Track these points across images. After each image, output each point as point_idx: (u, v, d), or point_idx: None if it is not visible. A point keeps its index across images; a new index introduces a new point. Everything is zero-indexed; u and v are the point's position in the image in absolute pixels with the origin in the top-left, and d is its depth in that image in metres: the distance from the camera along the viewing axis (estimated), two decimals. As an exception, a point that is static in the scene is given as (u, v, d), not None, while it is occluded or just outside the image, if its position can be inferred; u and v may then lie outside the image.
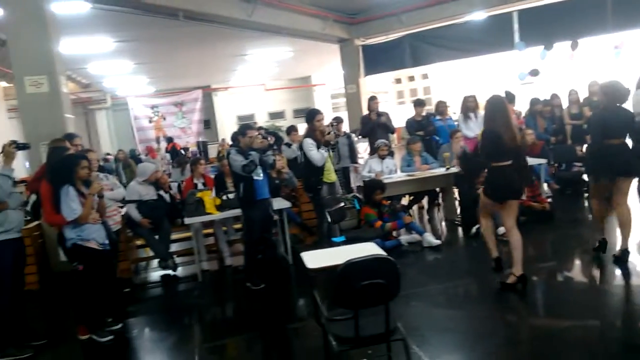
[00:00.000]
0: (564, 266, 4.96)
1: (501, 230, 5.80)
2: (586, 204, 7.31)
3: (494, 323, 3.82)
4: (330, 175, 5.99)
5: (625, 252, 4.60)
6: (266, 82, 20.28)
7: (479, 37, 10.85)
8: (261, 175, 5.12)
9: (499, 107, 4.26)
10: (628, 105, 4.79)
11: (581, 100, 8.02)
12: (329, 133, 5.75)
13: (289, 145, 7.48)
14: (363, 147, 10.41)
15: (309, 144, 5.62)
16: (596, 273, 4.82)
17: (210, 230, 6.36)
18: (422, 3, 10.85)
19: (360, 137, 9.53)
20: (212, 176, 6.62)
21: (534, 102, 8.08)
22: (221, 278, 5.87)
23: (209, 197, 5.55)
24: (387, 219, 6.09)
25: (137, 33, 10.25)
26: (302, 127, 7.85)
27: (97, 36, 10.15)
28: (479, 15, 10.75)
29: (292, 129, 7.74)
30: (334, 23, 11.43)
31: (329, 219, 5.19)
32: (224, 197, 5.60)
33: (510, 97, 8.05)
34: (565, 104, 8.33)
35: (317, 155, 5.57)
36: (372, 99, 8.19)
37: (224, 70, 16.79)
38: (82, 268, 4.07)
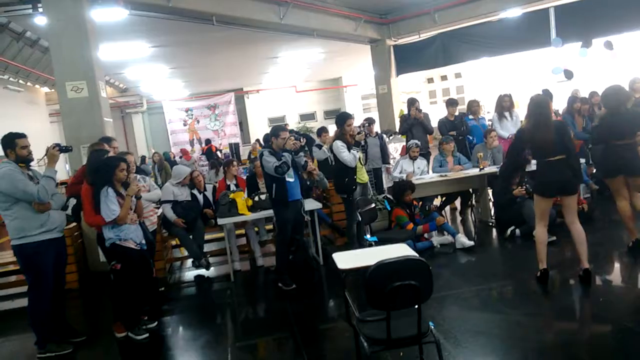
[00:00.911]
0: (602, 269, 4.79)
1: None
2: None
3: (528, 327, 3.73)
4: (363, 176, 6.01)
5: None
6: (297, 84, 20.40)
7: (514, 34, 10.61)
8: (293, 176, 5.16)
9: (538, 104, 4.36)
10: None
11: (622, 97, 7.71)
12: (359, 133, 5.75)
13: (319, 146, 7.49)
14: (393, 148, 10.34)
15: (340, 145, 5.63)
16: (636, 275, 4.64)
17: (242, 231, 6.45)
18: (455, 1, 10.70)
19: (391, 137, 9.47)
20: (244, 177, 6.72)
21: (572, 100, 7.83)
22: (253, 278, 5.93)
23: (242, 198, 5.62)
24: (418, 221, 6.04)
25: (173, 38, 10.51)
26: (332, 128, 7.87)
27: (134, 42, 10.46)
28: (514, 12, 10.52)
29: (322, 130, 7.75)
30: (366, 23, 11.41)
31: (360, 220, 5.18)
32: (256, 198, 5.67)
33: (548, 96, 7.84)
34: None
35: (349, 156, 5.58)
36: (413, 102, 8.15)
37: (255, 72, 16.99)
38: (120, 267, 4.19)
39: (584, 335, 3.62)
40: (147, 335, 4.26)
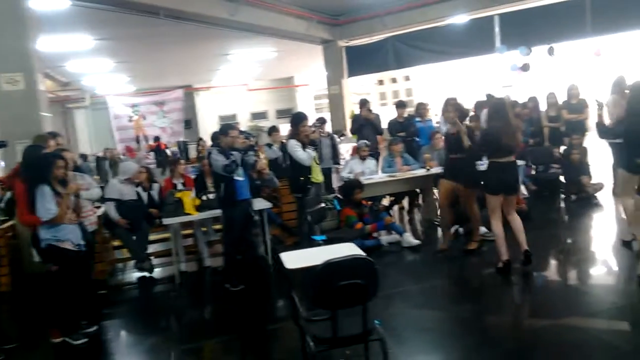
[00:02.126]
0: (540, 266, 5.01)
1: (482, 230, 5.88)
2: (562, 204, 7.43)
3: (472, 323, 3.85)
4: (318, 176, 6.03)
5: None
6: (249, 82, 20.19)
7: (462, 40, 10.99)
8: (242, 175, 5.08)
9: (497, 107, 4.62)
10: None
11: (559, 103, 8.14)
12: (313, 132, 5.77)
13: (270, 145, 7.46)
14: (345, 149, 10.44)
15: (294, 144, 5.61)
16: (572, 273, 4.91)
17: (189, 231, 6.29)
18: (405, 5, 10.93)
19: (342, 138, 9.57)
20: (193, 176, 6.56)
21: (513, 104, 8.17)
22: (200, 279, 5.80)
23: (189, 198, 5.48)
24: (367, 220, 6.11)
25: (118, 31, 10.12)
26: (284, 128, 7.86)
27: (77, 34, 10.00)
28: (461, 19, 10.87)
29: (273, 130, 7.72)
30: (318, 24, 11.46)
31: (309, 219, 5.18)
32: (204, 198, 5.54)
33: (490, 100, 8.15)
34: (543, 107, 8.45)
35: (304, 155, 5.58)
36: (364, 104, 8.27)
37: (206, 69, 16.68)
38: (57, 269, 3.98)
39: (524, 330, 3.77)
40: (85, 340, 4.07)
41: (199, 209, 5.50)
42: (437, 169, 6.88)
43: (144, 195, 5.98)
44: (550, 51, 9.96)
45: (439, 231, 6.68)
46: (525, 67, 10.26)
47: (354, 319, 2.76)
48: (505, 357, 3.35)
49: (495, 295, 4.47)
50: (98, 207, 5.46)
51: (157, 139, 16.92)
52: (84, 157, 14.90)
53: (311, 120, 8.15)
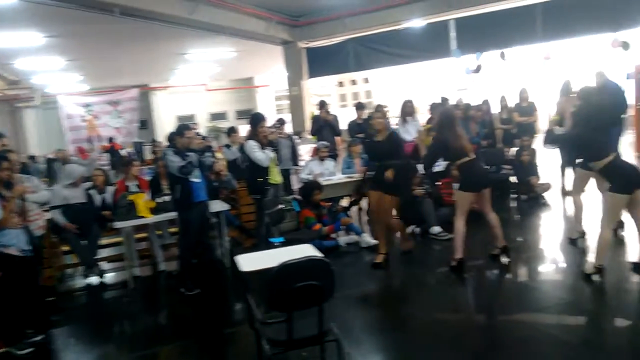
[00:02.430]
0: (493, 264, 5.16)
1: (435, 229, 6.01)
2: (513, 204, 7.68)
3: (427, 322, 3.91)
4: (276, 177, 5.99)
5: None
6: (208, 82, 19.90)
7: (419, 44, 11.22)
8: (199, 177, 4.99)
9: (446, 117, 4.82)
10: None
11: (511, 106, 8.43)
12: (271, 133, 5.75)
13: (228, 146, 7.36)
14: (305, 150, 10.44)
15: (253, 145, 5.56)
16: (522, 270, 5.07)
17: (144, 235, 6.12)
18: (364, 8, 11.03)
19: (302, 139, 9.57)
20: (148, 178, 6.38)
21: (467, 107, 8.40)
22: (154, 284, 5.66)
23: (142, 200, 5.33)
24: (326, 221, 6.12)
25: (70, 28, 9.73)
26: (244, 129, 7.76)
27: (25, 30, 9.55)
28: (418, 23, 11.08)
29: (232, 130, 7.62)
30: (277, 25, 11.41)
31: (268, 221, 5.14)
32: (159, 200, 5.41)
33: (445, 103, 8.36)
34: (495, 110, 8.74)
35: (262, 155, 5.54)
36: (323, 105, 8.30)
37: (162, 69, 16.31)
38: (1, 275, 3.79)
39: (475, 327, 3.86)
40: (31, 350, 3.88)
41: (154, 211, 5.36)
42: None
43: (98, 198, 5.78)
44: (502, 55, 10.31)
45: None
46: (477, 69, 10.59)
47: (310, 320, 2.75)
48: (459, 354, 3.42)
49: (450, 293, 4.56)
50: (46, 211, 5.23)
51: (110, 139, 16.42)
52: (32, 158, 14.27)
53: (271, 121, 8.17)
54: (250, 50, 13.46)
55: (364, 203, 8.20)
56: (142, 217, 5.28)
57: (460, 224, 4.79)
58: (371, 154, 5.40)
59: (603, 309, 3.93)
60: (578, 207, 5.12)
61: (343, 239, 6.20)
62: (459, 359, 3.37)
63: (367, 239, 5.99)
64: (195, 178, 4.93)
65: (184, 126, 5.14)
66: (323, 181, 6.56)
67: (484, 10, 10.34)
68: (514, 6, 10.02)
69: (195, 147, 4.94)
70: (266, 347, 2.72)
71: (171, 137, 5.20)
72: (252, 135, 5.65)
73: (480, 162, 4.92)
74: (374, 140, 5.24)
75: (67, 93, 18.22)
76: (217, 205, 5.61)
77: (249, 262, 3.20)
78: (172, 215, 5.23)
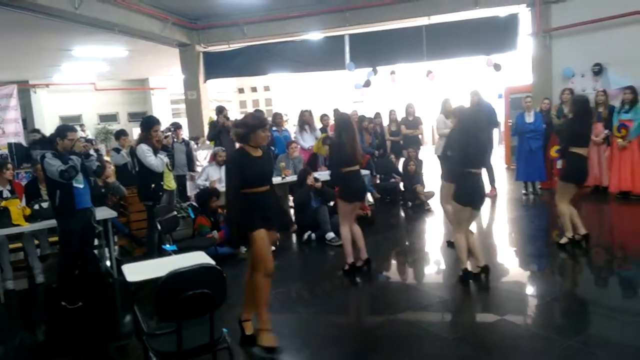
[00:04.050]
0: (382, 267, 5.47)
1: (330, 235, 6.22)
2: (401, 211, 8.19)
3: (319, 324, 4.04)
4: (170, 183, 5.81)
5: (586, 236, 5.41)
6: (97, 82, 18.63)
7: (316, 55, 11.55)
8: (82, 182, 4.69)
9: (344, 122, 4.92)
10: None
11: (399, 119, 9.01)
12: (166, 137, 5.57)
13: (118, 150, 6.98)
14: (203, 155, 10.22)
15: (145, 149, 5.35)
16: (408, 272, 5.44)
17: (19, 245, 5.59)
18: (264, 17, 11.11)
19: (200, 144, 9.35)
20: (24, 183, 5.85)
21: (361, 119, 8.82)
22: (31, 298, 5.19)
23: (17, 207, 4.88)
24: (224, 228, 6.04)
25: None
26: (137, 132, 7.43)
27: None
28: (315, 35, 11.42)
29: (121, 133, 7.23)
30: (174, 26, 11.05)
31: (160, 229, 4.97)
32: (36, 207, 4.98)
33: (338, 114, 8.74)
34: (386, 122, 9.28)
35: (156, 161, 5.34)
36: (221, 110, 8.20)
37: (45, 65, 14.96)
38: None
39: (363, 326, 4.07)
40: None
41: (30, 219, 4.93)
42: (292, 178, 7.11)
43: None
44: (392, 73, 11.01)
45: (294, 237, 6.92)
46: (367, 84, 11.15)
47: (202, 329, 2.72)
48: (346, 354, 3.58)
49: (341, 295, 4.75)
50: None
51: (-16, 140, 14.68)
52: None
53: (166, 125, 7.90)
54: (144, 51, 12.86)
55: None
56: (17, 225, 4.83)
57: (345, 231, 5.02)
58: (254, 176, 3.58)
59: (476, 307, 4.34)
60: (448, 214, 5.61)
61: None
62: (342, 358, 3.52)
63: (263, 245, 6.02)
64: (78, 183, 4.63)
65: (66, 127, 4.81)
66: (221, 187, 6.48)
67: (376, 29, 10.96)
68: (402, 27, 10.74)
69: (79, 150, 4.63)
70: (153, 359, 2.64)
71: (51, 139, 4.84)
72: (144, 139, 5.43)
73: (361, 175, 5.10)
74: (251, 157, 3.58)
75: None
76: (104, 212, 5.30)
77: (136, 271, 3.08)
78: (52, 223, 4.85)
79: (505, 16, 10.04)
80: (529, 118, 8.08)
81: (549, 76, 9.80)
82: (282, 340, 3.57)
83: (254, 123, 3.56)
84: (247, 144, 3.55)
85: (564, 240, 5.41)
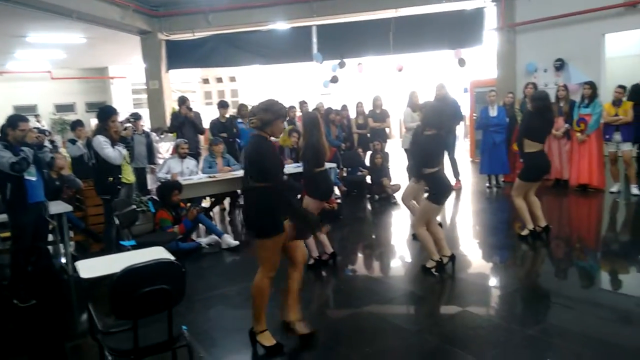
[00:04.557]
0: (349, 260, 5.45)
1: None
2: (368, 204, 8.21)
3: (278, 318, 3.97)
4: (129, 176, 5.60)
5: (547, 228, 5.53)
6: (53, 70, 17.89)
7: (283, 46, 11.41)
8: (35, 174, 4.46)
9: (314, 122, 4.74)
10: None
11: (366, 112, 9.00)
12: (125, 129, 5.36)
13: (73, 141, 6.70)
14: (166, 147, 9.97)
15: (102, 141, 5.13)
16: (375, 265, 5.44)
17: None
18: (229, 5, 10.90)
19: (162, 136, 9.11)
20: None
21: (328, 111, 8.77)
22: (-20, 296, 4.92)
23: (-38, 201, 4.60)
24: (187, 222, 5.90)
25: None
26: (91, 122, 7.16)
27: None
28: (282, 25, 11.27)
29: (77, 124, 6.94)
30: (135, 13, 10.70)
31: (118, 223, 4.79)
32: (-16, 201, 4.71)
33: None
34: (353, 115, 9.26)
35: (113, 153, 5.14)
36: (184, 101, 7.97)
37: (-3, 51, 14.26)
38: None
39: (328, 320, 4.03)
40: None
41: (-23, 213, 4.66)
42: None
43: None
44: (360, 67, 10.98)
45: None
46: (334, 79, 11.10)
47: (160, 325, 2.63)
48: (310, 348, 3.53)
49: (307, 290, 4.68)
50: None
51: None
52: None
53: (125, 116, 7.65)
54: (103, 38, 12.41)
55: (226, 203, 8.12)
56: (-38, 220, 4.56)
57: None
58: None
59: (440, 298, 4.37)
60: (411, 209, 5.63)
61: (204, 240, 6.05)
62: (307, 353, 3.48)
63: (228, 239, 5.92)
64: (31, 176, 4.41)
65: (18, 117, 4.55)
66: (183, 181, 6.32)
67: (343, 20, 10.91)
68: (370, 19, 10.72)
69: (31, 141, 4.40)
70: (109, 358, 2.53)
71: (2, 130, 4.58)
72: (102, 130, 5.21)
73: (329, 173, 5.05)
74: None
75: None
76: (58, 207, 5.07)
77: (91, 267, 2.94)
78: (2, 217, 4.61)
79: (472, 10, 10.16)
80: (493, 112, 8.21)
81: (512, 71, 10.00)
82: (245, 335, 3.49)
83: (279, 111, 3.25)
84: (264, 131, 3.23)
85: (525, 232, 5.52)
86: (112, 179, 5.22)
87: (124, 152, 5.32)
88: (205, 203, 7.52)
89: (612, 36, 9.23)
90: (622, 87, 7.40)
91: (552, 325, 3.58)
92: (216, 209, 8.02)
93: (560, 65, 9.45)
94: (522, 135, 5.40)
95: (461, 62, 10.26)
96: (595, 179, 7.57)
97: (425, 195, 4.94)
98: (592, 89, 7.44)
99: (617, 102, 7.28)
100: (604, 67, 9.23)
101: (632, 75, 8.36)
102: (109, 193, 5.25)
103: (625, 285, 4.45)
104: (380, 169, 8.27)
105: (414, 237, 5.70)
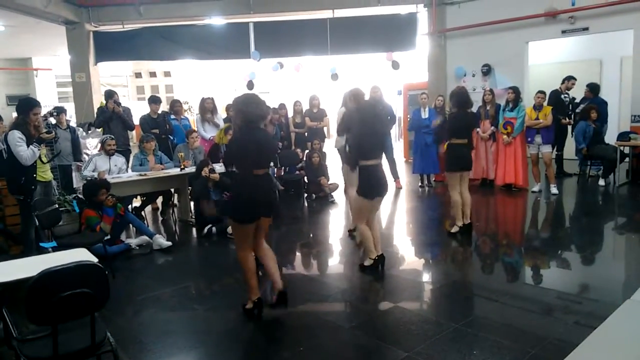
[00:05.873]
0: (287, 260, 5.43)
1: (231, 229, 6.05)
2: (305, 203, 8.24)
3: (217, 320, 3.89)
4: (45, 174, 5.24)
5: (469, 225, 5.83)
6: (-32, 59, 16.52)
7: (219, 42, 11.19)
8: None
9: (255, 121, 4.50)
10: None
11: (303, 111, 9.01)
12: (48, 132, 5.02)
13: (-11, 136, 6.20)
14: (93, 144, 9.47)
15: (17, 138, 4.78)
16: (312, 264, 5.46)
17: None
18: (162, -2, 10.54)
19: (91, 130, 8.63)
20: None
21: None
22: None
23: None
24: (107, 210, 5.58)
25: None
26: (13, 116, 6.62)
27: None
28: (219, 21, 11.05)
29: (-6, 117, 6.45)
30: (60, 2, 10.11)
31: (37, 224, 4.48)
32: None
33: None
34: (290, 113, 9.24)
35: (26, 152, 4.78)
36: (111, 95, 7.58)
37: None
38: None
39: (262, 320, 3.98)
40: None
41: None
42: (191, 169, 6.82)
43: None
44: (298, 67, 10.99)
45: (194, 231, 6.65)
46: (249, 85, 10.97)
47: (83, 331, 2.49)
48: (243, 348, 3.49)
49: (241, 290, 4.61)
50: None
51: None
52: None
53: (48, 109, 7.18)
54: (25, 27, 11.60)
55: (158, 202, 7.84)
56: None
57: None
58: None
59: (373, 295, 4.45)
60: (350, 200, 5.72)
61: (134, 241, 5.82)
62: (241, 353, 3.44)
63: (160, 240, 5.73)
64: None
65: None
66: (111, 179, 6.03)
67: (281, 18, 10.87)
68: (307, 18, 10.76)
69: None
70: (25, 368, 2.36)
71: None
72: (21, 125, 4.86)
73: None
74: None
75: None
76: (-30, 206, 4.67)
77: (5, 271, 2.74)
78: None
79: (405, 15, 10.46)
80: (424, 114, 8.50)
81: (443, 74, 10.40)
82: (176, 338, 3.39)
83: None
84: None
85: (454, 229, 5.75)
86: (24, 178, 4.86)
87: (38, 152, 4.93)
88: (137, 202, 7.24)
89: (535, 44, 9.83)
90: (542, 92, 7.90)
91: (477, 317, 3.75)
92: (149, 209, 7.75)
93: (487, 71, 9.94)
94: (449, 137, 5.68)
95: (395, 65, 10.52)
96: (520, 179, 8.04)
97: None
98: (515, 93, 7.88)
99: (538, 107, 7.77)
100: (527, 73, 9.82)
101: (552, 82, 8.95)
102: (22, 192, 4.90)
103: (546, 279, 4.74)
104: (317, 168, 8.31)
105: (350, 233, 5.78)
